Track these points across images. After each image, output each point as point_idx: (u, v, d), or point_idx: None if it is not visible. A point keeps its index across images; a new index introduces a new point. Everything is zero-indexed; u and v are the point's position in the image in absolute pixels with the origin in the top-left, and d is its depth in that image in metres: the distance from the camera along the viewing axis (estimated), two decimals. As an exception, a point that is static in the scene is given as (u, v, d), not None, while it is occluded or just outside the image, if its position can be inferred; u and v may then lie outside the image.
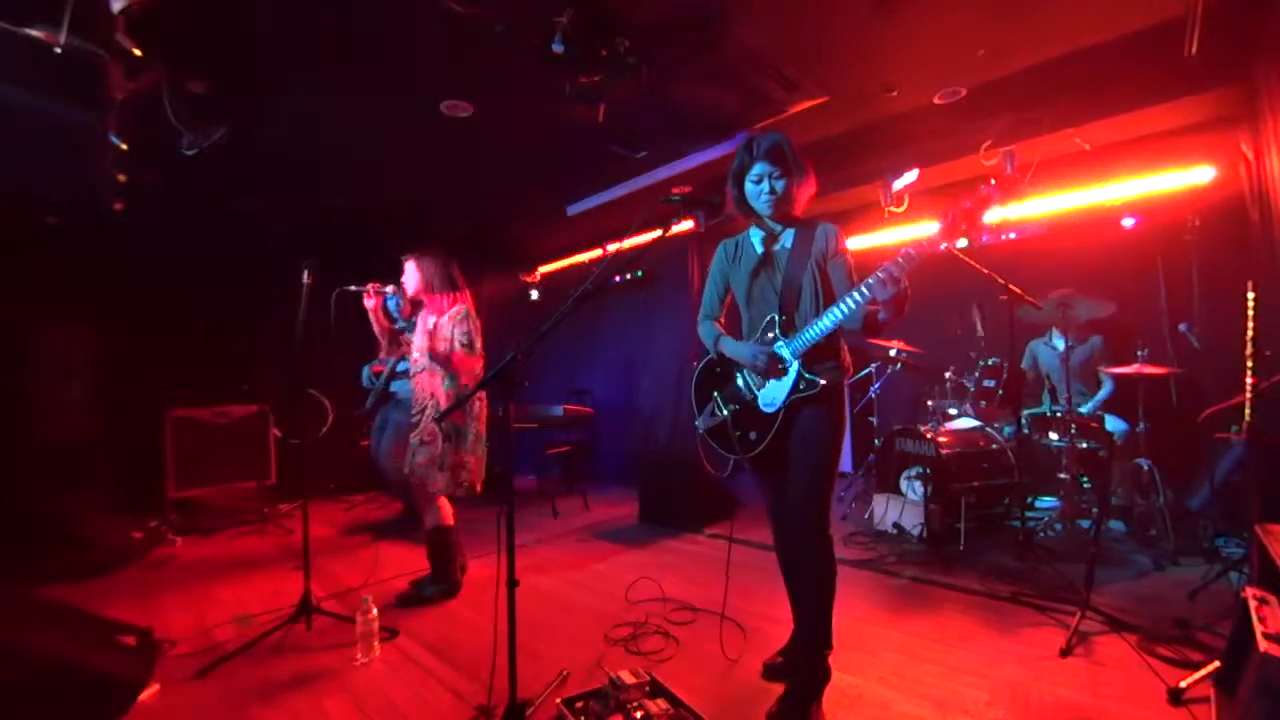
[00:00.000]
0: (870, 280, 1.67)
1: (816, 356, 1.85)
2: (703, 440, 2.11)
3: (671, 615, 2.53)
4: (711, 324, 2.11)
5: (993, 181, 1.67)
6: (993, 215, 1.69)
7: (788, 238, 1.96)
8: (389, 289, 3.04)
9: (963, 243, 4.48)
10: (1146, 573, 2.89)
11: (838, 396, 1.86)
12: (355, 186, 4.88)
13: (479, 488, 2.79)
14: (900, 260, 1.64)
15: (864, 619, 2.47)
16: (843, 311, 1.73)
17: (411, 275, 2.88)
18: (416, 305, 3.00)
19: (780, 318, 1.90)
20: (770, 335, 1.91)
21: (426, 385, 2.79)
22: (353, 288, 2.94)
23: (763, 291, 1.96)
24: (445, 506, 2.82)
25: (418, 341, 2.84)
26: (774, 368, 1.87)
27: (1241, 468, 2.97)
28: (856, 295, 1.70)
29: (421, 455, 2.73)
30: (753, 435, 1.93)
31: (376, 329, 3.15)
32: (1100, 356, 3.71)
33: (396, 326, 3.34)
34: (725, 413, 2.01)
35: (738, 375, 2.01)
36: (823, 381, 1.81)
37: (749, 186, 1.91)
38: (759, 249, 1.99)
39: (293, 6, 2.62)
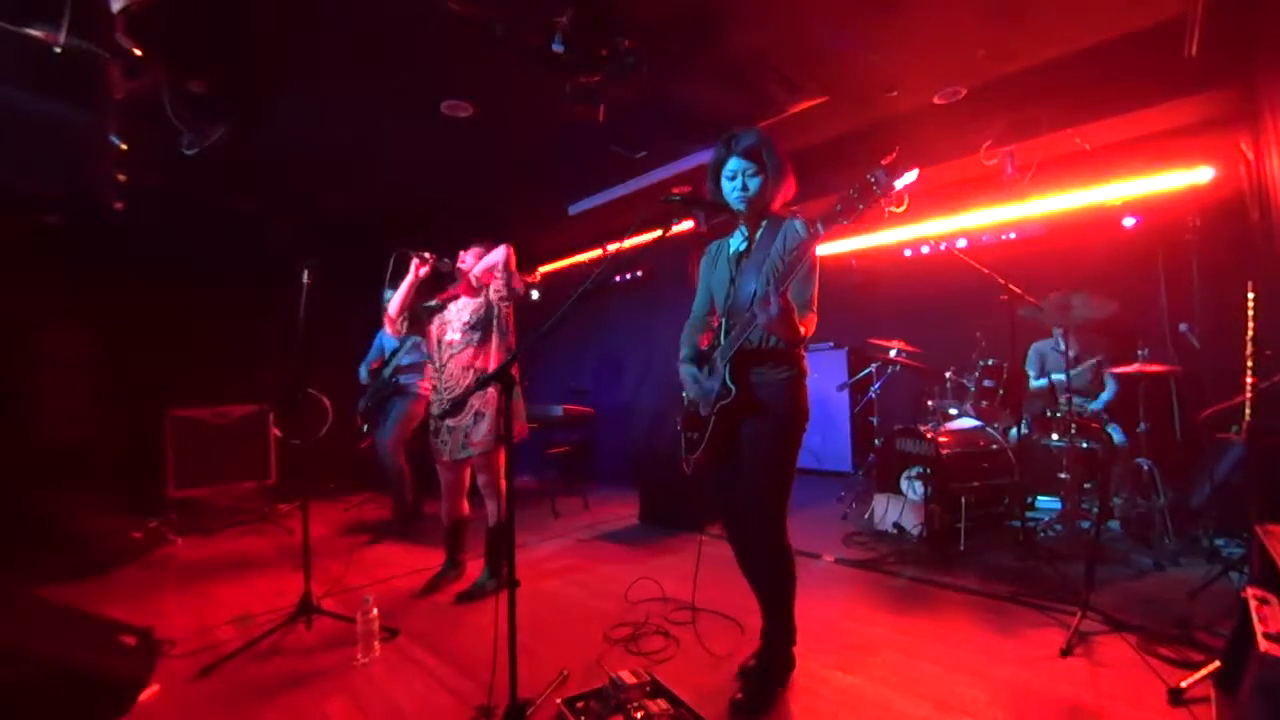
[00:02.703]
0: (754, 306, 1.67)
1: (755, 361, 1.83)
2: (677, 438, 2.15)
3: (672, 615, 2.53)
4: (689, 333, 2.12)
5: (853, 192, 1.60)
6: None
7: (756, 236, 1.92)
8: (444, 263, 3.06)
9: (962, 242, 4.51)
10: (1146, 573, 2.89)
11: (781, 400, 1.81)
12: (355, 186, 4.88)
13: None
14: (766, 287, 1.64)
15: (864, 619, 2.46)
16: (741, 333, 1.78)
17: (475, 260, 3.02)
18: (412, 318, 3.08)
19: (730, 321, 1.89)
20: (718, 341, 1.91)
21: (468, 362, 2.85)
22: (410, 252, 2.99)
23: (724, 293, 1.96)
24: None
25: (455, 322, 2.94)
26: (706, 402, 1.89)
27: (1241, 468, 2.97)
28: (747, 317, 1.73)
29: (478, 433, 2.77)
30: (694, 435, 1.98)
31: (401, 299, 3.07)
32: (1098, 378, 3.66)
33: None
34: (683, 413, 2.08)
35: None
36: (736, 389, 1.79)
37: (724, 182, 1.88)
38: (731, 249, 1.99)
39: (293, 6, 2.62)
